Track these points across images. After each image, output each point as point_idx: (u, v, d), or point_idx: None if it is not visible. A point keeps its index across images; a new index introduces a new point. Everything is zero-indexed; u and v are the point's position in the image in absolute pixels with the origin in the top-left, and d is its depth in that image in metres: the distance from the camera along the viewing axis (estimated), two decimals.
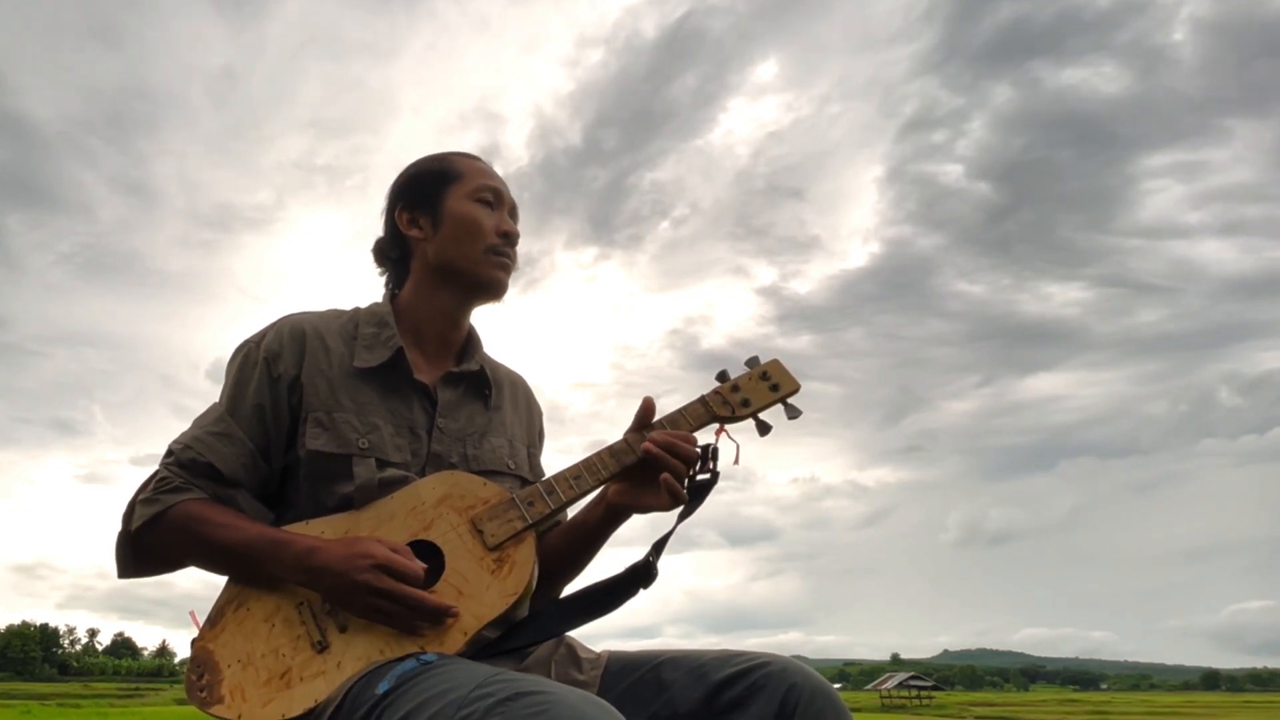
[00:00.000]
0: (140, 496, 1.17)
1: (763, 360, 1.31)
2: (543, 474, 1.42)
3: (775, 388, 1.28)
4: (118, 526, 1.20)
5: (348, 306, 1.36)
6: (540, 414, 1.50)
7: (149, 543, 1.18)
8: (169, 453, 1.20)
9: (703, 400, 1.27)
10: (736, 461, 1.26)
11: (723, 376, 1.29)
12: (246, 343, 1.26)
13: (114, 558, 1.21)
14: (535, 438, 1.46)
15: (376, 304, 1.35)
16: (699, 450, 1.22)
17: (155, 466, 1.22)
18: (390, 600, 1.06)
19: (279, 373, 1.21)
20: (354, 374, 1.24)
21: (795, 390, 1.28)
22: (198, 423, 1.23)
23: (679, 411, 1.25)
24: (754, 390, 1.27)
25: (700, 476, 1.24)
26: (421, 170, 1.37)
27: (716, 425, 1.26)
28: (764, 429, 1.27)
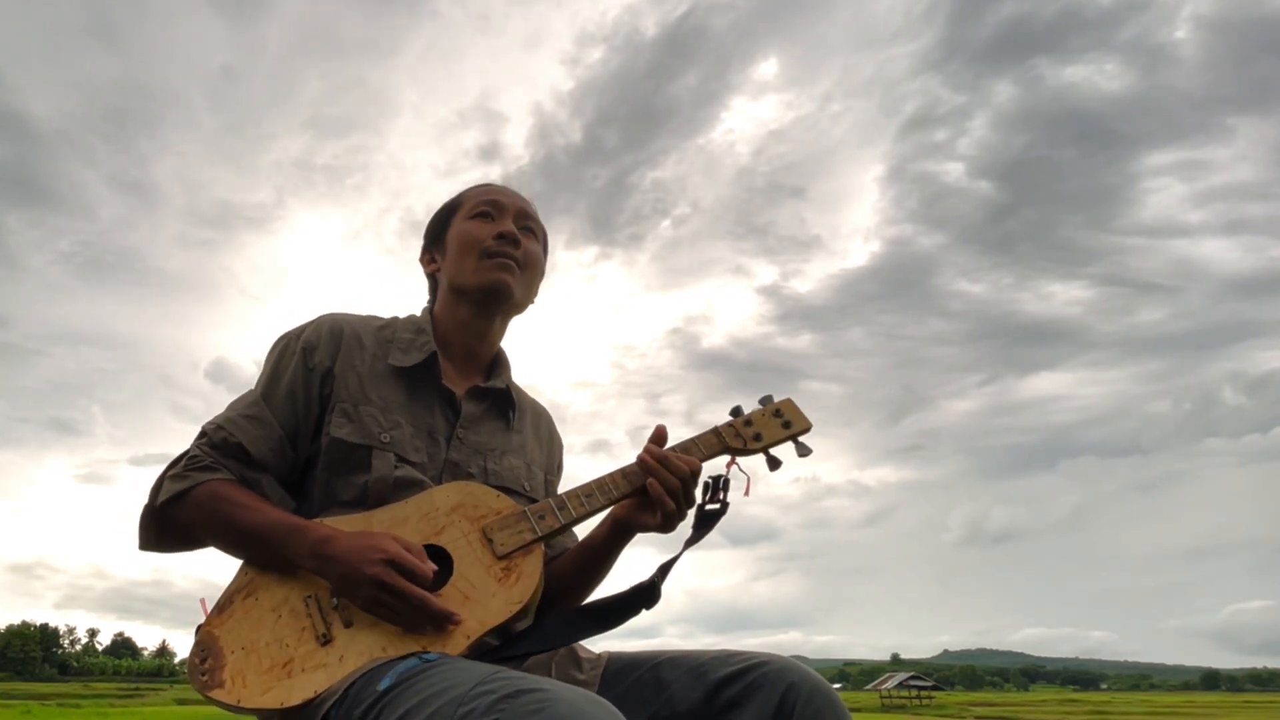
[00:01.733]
0: (170, 472, 1.21)
1: (776, 399, 1.35)
2: None
3: (787, 425, 1.32)
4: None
5: (386, 314, 1.42)
6: (561, 448, 1.53)
7: (172, 518, 1.21)
8: (202, 433, 1.24)
9: (716, 431, 1.31)
10: (747, 493, 1.29)
11: (736, 411, 1.33)
12: (287, 334, 1.32)
13: (137, 530, 1.24)
14: (554, 467, 1.49)
15: (414, 315, 1.41)
16: (694, 471, 1.24)
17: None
18: (395, 597, 1.07)
19: (314, 364, 1.27)
20: (385, 373, 1.29)
21: (807, 429, 1.32)
22: (232, 406, 1.27)
23: (692, 440, 1.29)
24: (766, 426, 1.31)
25: (710, 506, 1.27)
26: (435, 213, 1.47)
27: (728, 457, 1.30)
28: (774, 464, 1.30)
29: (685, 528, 1.26)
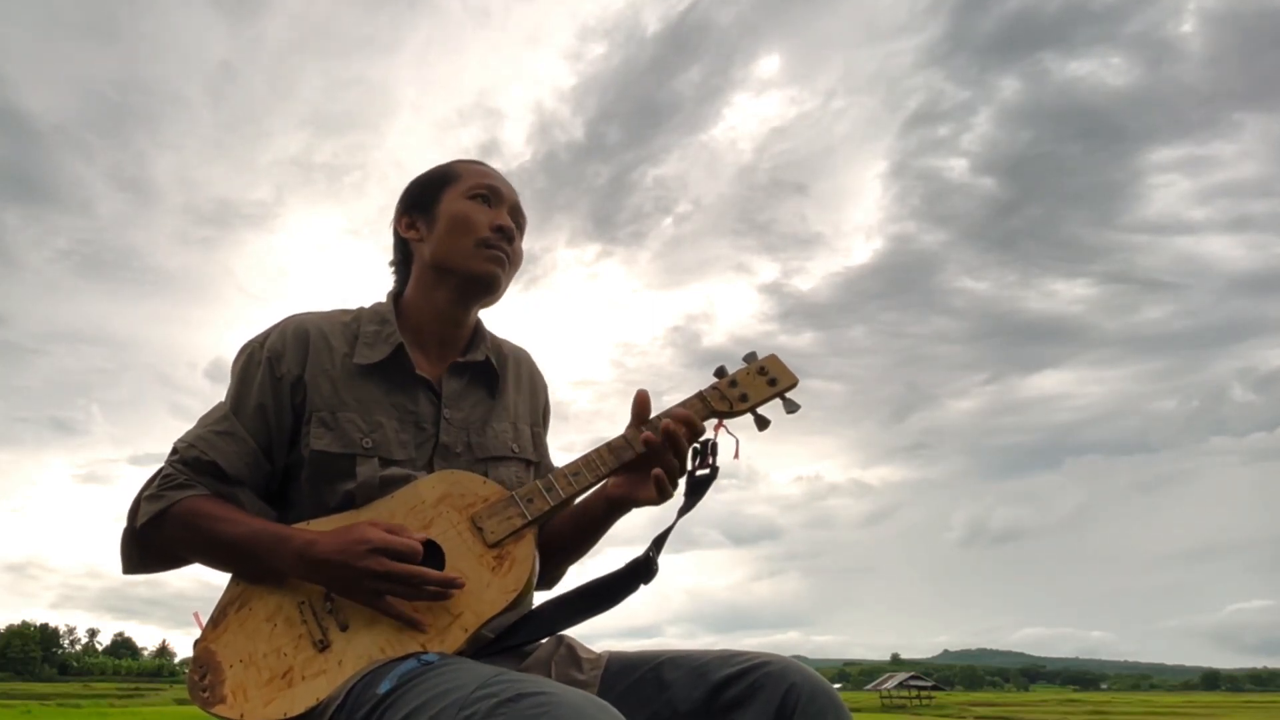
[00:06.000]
0: (145, 493, 1.19)
1: (760, 355, 1.31)
2: (547, 454, 1.43)
3: (773, 382, 1.28)
4: (121, 524, 1.21)
5: (352, 306, 1.37)
6: (545, 389, 1.49)
7: (154, 539, 1.19)
8: (174, 451, 1.22)
9: (701, 396, 1.27)
10: (736, 456, 1.26)
11: (720, 372, 1.29)
12: (250, 343, 1.28)
13: (119, 554, 1.22)
14: (540, 416, 1.45)
15: (379, 303, 1.36)
16: (695, 434, 1.22)
17: (154, 466, 1.23)
18: (393, 582, 1.07)
19: (282, 373, 1.23)
20: (357, 372, 1.25)
21: (793, 384, 1.28)
22: (202, 421, 1.24)
23: (678, 406, 1.26)
24: (752, 385, 1.27)
25: (700, 472, 1.25)
26: (422, 177, 1.40)
27: (715, 420, 1.26)
28: (763, 424, 1.27)
29: (676, 496, 1.24)
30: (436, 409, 1.27)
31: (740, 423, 1.27)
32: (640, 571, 1.21)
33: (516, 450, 1.32)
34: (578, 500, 1.32)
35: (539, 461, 1.37)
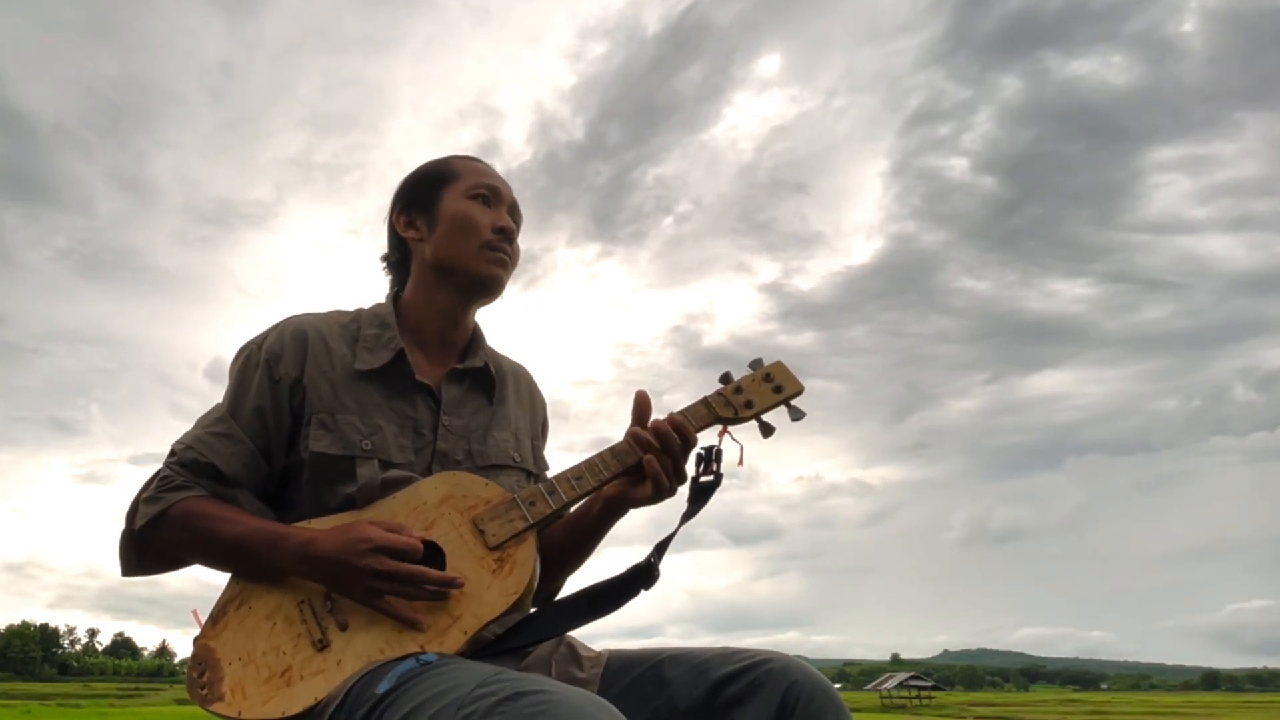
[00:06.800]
0: (143, 495, 1.19)
1: (766, 362, 1.31)
2: (546, 466, 1.43)
3: (778, 389, 1.28)
4: (120, 525, 1.21)
5: (350, 307, 1.36)
6: (544, 405, 1.50)
7: (152, 541, 1.19)
8: (171, 453, 1.22)
9: (705, 401, 1.26)
10: (740, 463, 1.26)
11: (726, 378, 1.29)
12: (249, 344, 1.27)
13: (117, 556, 1.21)
14: (539, 429, 1.46)
15: (379, 305, 1.36)
16: (688, 445, 1.21)
17: (154, 466, 1.23)
18: (392, 581, 1.06)
19: (280, 375, 1.22)
20: (357, 376, 1.24)
21: (799, 392, 1.28)
22: (200, 423, 1.24)
23: (681, 412, 1.25)
24: (757, 392, 1.27)
25: (703, 478, 1.24)
26: (419, 173, 1.39)
27: (720, 426, 1.26)
28: (767, 430, 1.27)
29: (679, 502, 1.23)
30: (435, 415, 1.27)
31: (744, 428, 1.27)
32: (641, 577, 1.21)
33: (517, 460, 1.32)
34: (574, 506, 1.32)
35: (538, 474, 1.37)
